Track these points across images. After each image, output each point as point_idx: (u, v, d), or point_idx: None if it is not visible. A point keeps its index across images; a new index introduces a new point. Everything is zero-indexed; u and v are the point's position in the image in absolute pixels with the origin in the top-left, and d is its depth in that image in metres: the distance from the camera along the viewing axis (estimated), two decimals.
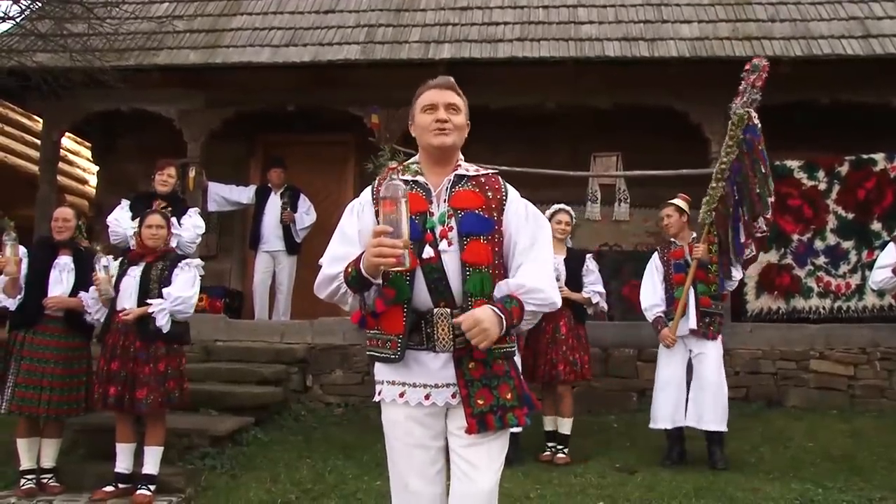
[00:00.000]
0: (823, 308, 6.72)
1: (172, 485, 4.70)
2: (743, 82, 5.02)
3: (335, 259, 2.32)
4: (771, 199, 5.00)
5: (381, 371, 2.37)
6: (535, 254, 2.33)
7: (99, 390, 4.53)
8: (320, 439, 5.69)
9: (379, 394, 2.38)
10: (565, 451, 5.31)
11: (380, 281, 2.21)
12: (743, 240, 5.05)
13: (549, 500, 4.42)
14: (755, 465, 5.09)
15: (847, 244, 6.74)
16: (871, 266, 6.32)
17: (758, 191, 4.95)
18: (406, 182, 2.27)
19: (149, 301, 4.56)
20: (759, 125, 4.97)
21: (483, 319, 2.12)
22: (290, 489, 4.67)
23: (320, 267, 2.37)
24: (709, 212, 5.11)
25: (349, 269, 2.23)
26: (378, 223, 2.23)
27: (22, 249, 4.85)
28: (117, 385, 4.45)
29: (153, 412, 4.55)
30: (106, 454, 4.78)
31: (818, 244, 6.77)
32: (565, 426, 5.37)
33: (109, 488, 4.57)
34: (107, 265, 4.65)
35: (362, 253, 2.21)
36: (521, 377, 2.36)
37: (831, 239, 6.76)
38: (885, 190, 6.70)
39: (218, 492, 4.69)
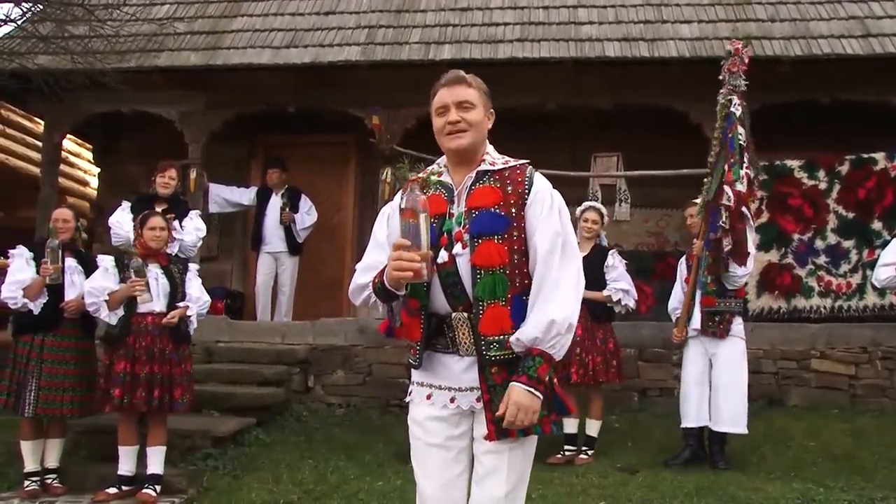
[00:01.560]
0: (824, 307, 6.72)
1: (175, 485, 4.71)
2: (722, 72, 4.99)
3: (366, 268, 2.32)
4: (731, 189, 4.84)
5: (413, 374, 2.39)
6: (554, 269, 2.17)
7: (127, 394, 4.45)
8: (322, 440, 5.70)
9: (409, 394, 2.39)
10: (589, 452, 5.29)
11: (404, 292, 2.20)
12: (714, 234, 4.96)
13: (550, 501, 4.42)
14: (757, 465, 5.09)
15: (848, 243, 6.73)
16: (871, 265, 6.32)
17: (714, 177, 4.91)
18: (431, 182, 2.25)
19: (179, 304, 4.67)
20: (737, 112, 4.92)
21: (519, 404, 2.11)
22: (292, 490, 4.68)
23: (355, 272, 2.39)
24: (702, 210, 5.10)
25: (375, 280, 2.23)
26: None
27: (27, 252, 4.86)
28: (158, 387, 4.50)
29: (187, 411, 4.73)
30: (108, 455, 4.80)
31: (819, 243, 6.77)
32: (592, 428, 5.35)
33: (112, 490, 4.59)
34: (147, 267, 4.59)
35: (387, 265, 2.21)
36: (555, 381, 2.26)
37: (832, 238, 6.76)
38: (885, 189, 6.69)
39: (220, 492, 4.71)
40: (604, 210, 5.63)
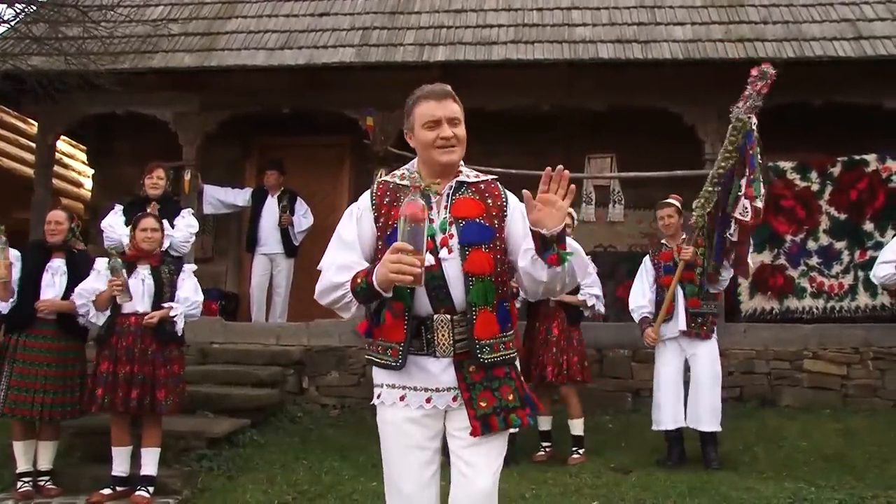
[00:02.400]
0: (816, 308, 6.76)
1: (169, 486, 4.72)
2: (749, 87, 4.90)
3: (340, 267, 2.31)
4: (750, 204, 4.83)
5: (380, 375, 2.38)
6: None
7: (108, 394, 4.46)
8: (316, 441, 5.71)
9: (378, 397, 2.39)
10: (580, 451, 5.34)
11: (390, 294, 2.21)
12: (724, 244, 4.99)
13: (544, 500, 4.44)
14: (749, 465, 5.12)
15: (840, 245, 6.77)
16: (863, 266, 6.39)
17: (732, 190, 4.93)
18: (430, 191, 2.28)
19: (164, 305, 4.62)
20: (755, 131, 4.94)
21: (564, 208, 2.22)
22: (287, 490, 4.69)
23: (319, 272, 2.37)
24: (702, 216, 5.09)
25: (358, 280, 2.23)
26: (377, 230, 2.32)
27: (14, 253, 4.85)
28: (137, 388, 4.47)
29: (172, 413, 4.64)
30: (102, 457, 4.79)
31: (811, 245, 6.81)
32: (577, 427, 5.39)
33: (107, 491, 4.58)
34: (125, 268, 4.59)
35: (372, 265, 2.22)
36: (522, 378, 2.38)
37: (824, 239, 6.80)
38: (877, 191, 6.73)
39: (215, 493, 4.71)
40: (574, 214, 5.66)
